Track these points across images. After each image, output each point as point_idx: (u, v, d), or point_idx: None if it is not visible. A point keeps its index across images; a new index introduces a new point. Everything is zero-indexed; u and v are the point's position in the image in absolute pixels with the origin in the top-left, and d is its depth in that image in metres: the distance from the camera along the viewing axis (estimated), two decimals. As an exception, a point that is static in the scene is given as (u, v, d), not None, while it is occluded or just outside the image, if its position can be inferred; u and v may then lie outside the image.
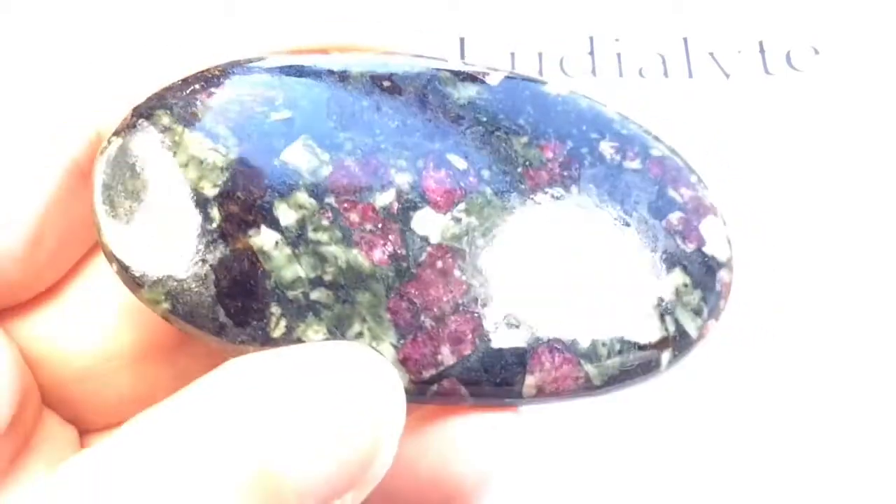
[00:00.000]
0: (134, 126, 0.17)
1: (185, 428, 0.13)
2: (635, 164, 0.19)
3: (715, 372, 0.30)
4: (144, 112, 0.17)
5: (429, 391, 0.17)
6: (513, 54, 0.39)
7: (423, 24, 0.39)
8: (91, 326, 0.18)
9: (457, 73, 0.19)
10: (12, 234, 0.16)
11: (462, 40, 0.39)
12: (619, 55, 0.39)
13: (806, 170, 0.35)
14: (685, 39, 0.40)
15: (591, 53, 0.39)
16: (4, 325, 0.17)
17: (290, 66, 0.18)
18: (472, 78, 0.19)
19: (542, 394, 0.18)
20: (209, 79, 0.18)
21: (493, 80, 0.19)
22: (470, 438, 0.17)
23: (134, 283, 0.16)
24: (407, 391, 0.17)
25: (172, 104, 0.17)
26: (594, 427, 0.29)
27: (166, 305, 0.16)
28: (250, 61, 0.18)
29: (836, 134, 0.36)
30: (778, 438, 0.29)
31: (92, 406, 0.19)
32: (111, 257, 0.16)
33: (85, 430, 0.19)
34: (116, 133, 0.17)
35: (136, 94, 0.17)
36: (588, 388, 0.18)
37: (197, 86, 0.17)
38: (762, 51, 0.39)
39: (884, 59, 0.38)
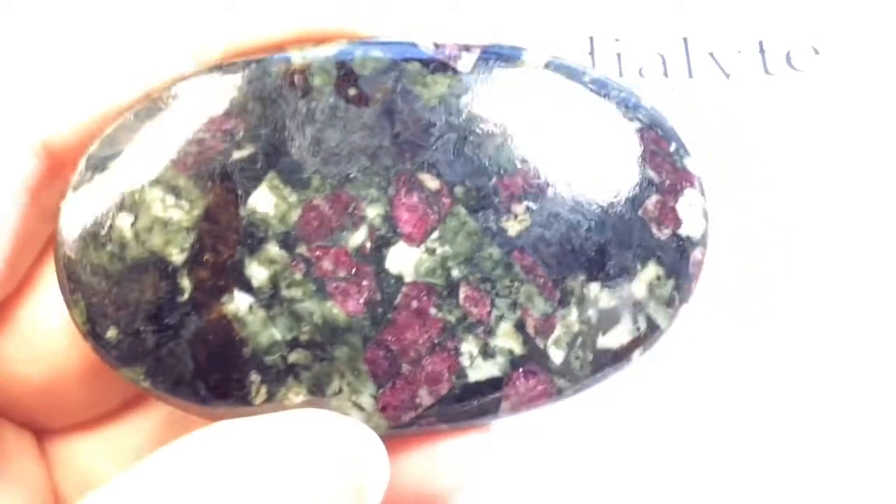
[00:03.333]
0: (90, 183, 0.16)
1: (170, 490, 0.14)
2: (614, 148, 0.18)
3: (683, 360, 0.30)
4: (99, 164, 0.16)
5: (408, 431, 0.17)
6: (513, 54, 0.39)
7: (423, 24, 0.39)
8: (42, 347, 0.18)
9: (426, 63, 0.18)
10: None
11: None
12: (619, 55, 0.39)
13: (806, 170, 0.35)
14: (685, 39, 0.40)
15: (591, 53, 0.39)
16: None
17: (248, 83, 0.17)
18: (443, 67, 0.18)
19: (515, 412, 0.18)
20: (161, 110, 0.17)
21: (465, 65, 0.18)
22: (448, 455, 0.18)
23: (111, 361, 0.16)
24: (385, 435, 0.17)
25: (126, 151, 0.16)
26: (565, 427, 0.29)
27: (146, 384, 0.16)
28: (200, 74, 0.17)
29: (836, 134, 0.36)
30: (748, 424, 0.29)
31: (48, 415, 0.19)
32: (85, 335, 0.16)
33: (41, 433, 0.19)
34: (74, 190, 0.16)
35: (80, 101, 0.17)
36: (560, 396, 0.18)
37: (149, 122, 0.17)
38: (762, 51, 0.39)
39: (884, 59, 0.38)
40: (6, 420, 0.18)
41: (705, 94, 0.37)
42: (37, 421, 0.19)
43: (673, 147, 0.18)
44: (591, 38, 0.40)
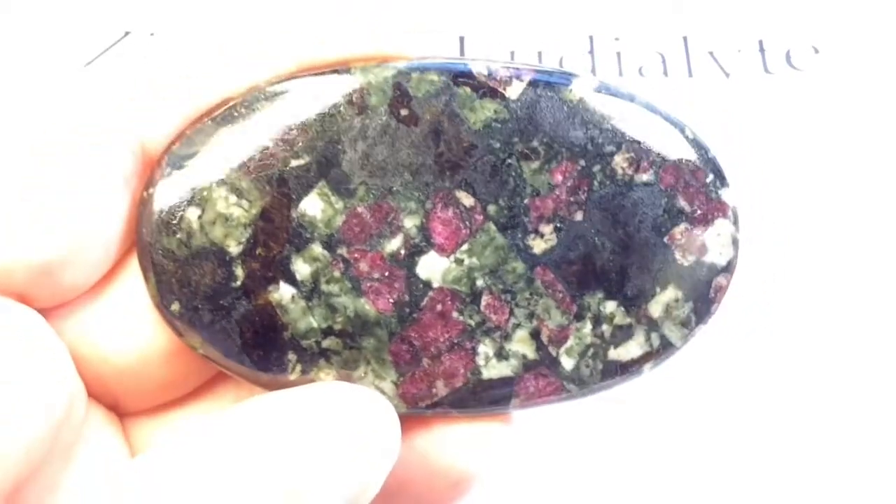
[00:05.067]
0: (168, 178, 0.19)
1: (219, 453, 0.16)
2: (647, 177, 0.19)
3: (699, 369, 0.31)
4: (177, 162, 0.19)
5: (425, 413, 0.20)
6: (512, 53, 0.39)
7: (423, 23, 0.39)
8: (129, 328, 0.20)
9: (477, 88, 0.19)
10: (63, 242, 0.18)
11: (462, 40, 0.39)
12: (618, 54, 0.39)
13: (806, 169, 0.35)
14: (685, 39, 0.40)
15: (591, 53, 0.39)
16: (54, 324, 0.19)
17: (311, 99, 0.19)
18: (492, 92, 0.19)
19: (525, 407, 0.20)
20: (234, 117, 0.19)
21: (514, 91, 0.19)
22: (467, 436, 0.20)
23: (175, 330, 0.19)
24: (403, 414, 0.19)
25: (201, 153, 0.19)
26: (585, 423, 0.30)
27: (202, 351, 0.19)
28: (272, 86, 0.19)
29: (836, 134, 0.36)
30: (766, 434, 0.29)
31: (131, 396, 0.20)
32: (157, 306, 0.19)
33: (124, 415, 0.21)
34: (154, 183, 0.19)
35: (171, 106, 0.19)
36: (569, 397, 0.20)
37: (224, 128, 0.19)
38: (762, 50, 0.39)
39: (884, 59, 0.38)
40: (95, 401, 0.20)
41: (705, 93, 0.38)
42: (120, 402, 0.21)
43: (710, 178, 0.20)
44: (591, 38, 0.40)
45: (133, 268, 0.20)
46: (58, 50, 0.39)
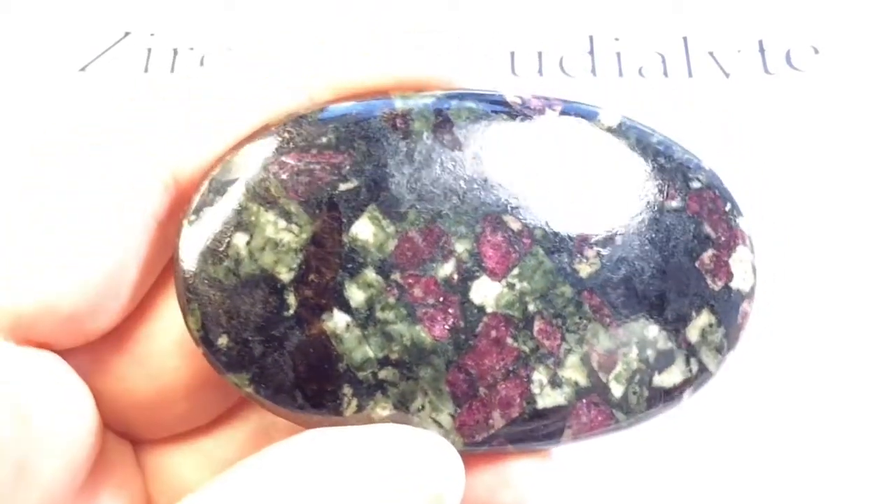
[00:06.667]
0: (211, 204, 0.18)
1: (268, 491, 0.15)
2: (676, 203, 0.20)
3: (737, 395, 0.31)
4: (220, 188, 0.18)
5: (480, 449, 0.19)
6: (513, 54, 0.39)
7: (424, 24, 0.39)
8: (152, 364, 0.19)
9: (513, 116, 0.20)
10: (92, 287, 0.17)
11: (462, 40, 0.39)
12: (618, 55, 0.39)
13: (806, 170, 0.35)
14: (685, 39, 0.40)
15: (591, 53, 0.39)
16: (74, 363, 0.18)
17: (355, 123, 0.19)
18: (528, 119, 0.20)
19: (576, 439, 0.20)
20: (279, 144, 0.18)
21: (548, 119, 0.20)
22: (513, 474, 0.19)
23: (219, 367, 0.18)
24: (460, 452, 0.19)
25: (246, 178, 0.18)
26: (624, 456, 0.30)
27: (250, 389, 0.18)
28: (314, 113, 0.19)
29: (836, 134, 0.36)
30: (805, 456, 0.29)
31: (148, 427, 0.20)
32: (198, 342, 0.18)
33: (138, 443, 0.21)
34: (195, 211, 0.18)
35: (207, 135, 0.18)
36: (617, 428, 0.20)
37: (269, 153, 0.18)
38: (762, 50, 0.39)
39: (884, 59, 0.38)
40: (108, 430, 0.20)
41: (705, 93, 0.38)
42: (136, 432, 0.20)
43: (728, 207, 0.20)
44: (591, 38, 0.40)
45: (158, 307, 0.19)
46: (57, 51, 0.39)
